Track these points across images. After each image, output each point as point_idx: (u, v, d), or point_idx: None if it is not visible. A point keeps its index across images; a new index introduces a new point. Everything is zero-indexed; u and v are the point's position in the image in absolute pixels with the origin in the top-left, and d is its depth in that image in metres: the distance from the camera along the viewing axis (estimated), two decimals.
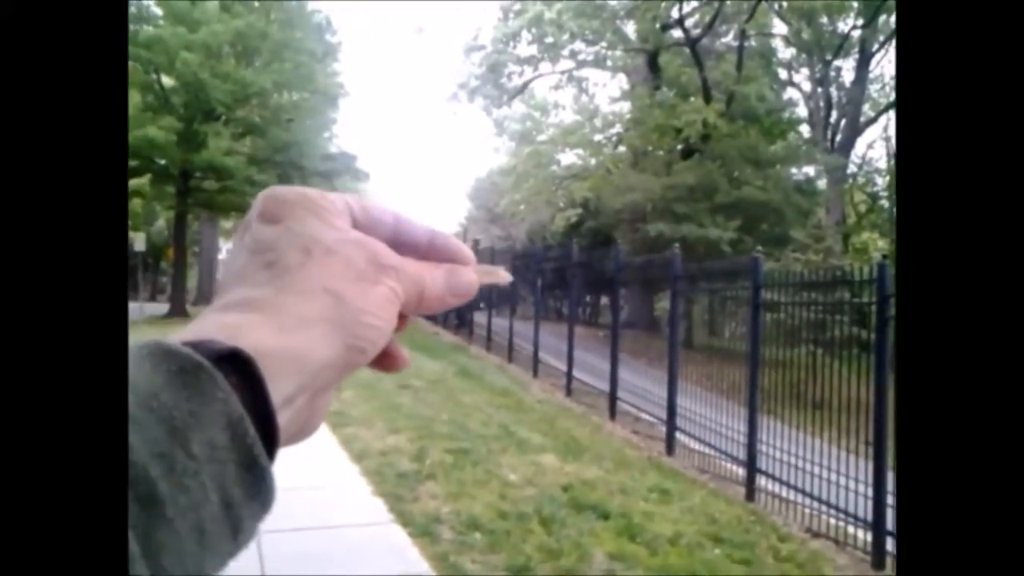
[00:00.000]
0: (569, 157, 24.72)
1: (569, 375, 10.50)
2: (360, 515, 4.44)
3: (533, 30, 22.25)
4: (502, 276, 0.43)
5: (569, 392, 10.38)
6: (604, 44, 22.83)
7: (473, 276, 0.40)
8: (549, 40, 22.26)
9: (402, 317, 0.38)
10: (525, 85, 24.76)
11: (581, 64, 24.02)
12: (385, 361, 0.39)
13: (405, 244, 0.39)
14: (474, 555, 3.94)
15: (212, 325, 0.32)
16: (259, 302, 0.34)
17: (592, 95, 26.41)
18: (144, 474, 0.26)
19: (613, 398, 9.26)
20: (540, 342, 11.71)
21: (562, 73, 24.67)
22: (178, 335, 0.31)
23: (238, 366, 0.30)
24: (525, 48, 23.39)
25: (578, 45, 22.89)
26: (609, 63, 24.18)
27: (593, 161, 23.33)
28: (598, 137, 24.29)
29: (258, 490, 0.30)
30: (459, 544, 4.05)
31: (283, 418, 0.32)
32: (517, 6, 22.56)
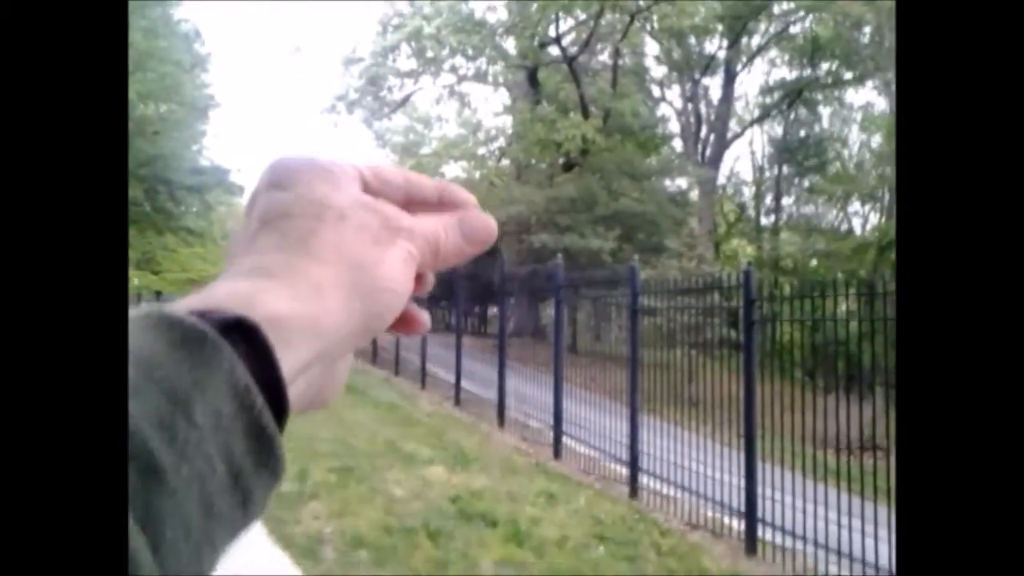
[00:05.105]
0: (453, 169, 24.74)
1: (458, 386, 10.48)
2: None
3: (412, 44, 22.20)
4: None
5: (458, 403, 10.35)
6: (484, 59, 23.08)
7: (487, 218, 0.39)
8: (429, 55, 22.27)
9: (419, 278, 0.37)
10: (406, 98, 24.62)
11: (462, 79, 24.17)
12: (403, 325, 0.38)
13: (416, 203, 0.38)
14: (359, 572, 3.84)
15: (223, 292, 0.31)
16: (273, 268, 0.32)
17: (475, 109, 26.63)
18: (144, 444, 0.25)
19: (502, 406, 9.31)
20: (428, 354, 11.62)
21: (444, 87, 24.74)
22: (184, 302, 0.30)
23: (246, 334, 0.29)
24: (405, 62, 23.28)
25: (458, 60, 23.03)
26: (490, 78, 24.46)
27: (477, 174, 23.46)
28: (482, 150, 24.48)
29: (267, 459, 0.29)
30: (343, 563, 3.94)
31: (298, 386, 0.31)
32: (396, 20, 22.42)
